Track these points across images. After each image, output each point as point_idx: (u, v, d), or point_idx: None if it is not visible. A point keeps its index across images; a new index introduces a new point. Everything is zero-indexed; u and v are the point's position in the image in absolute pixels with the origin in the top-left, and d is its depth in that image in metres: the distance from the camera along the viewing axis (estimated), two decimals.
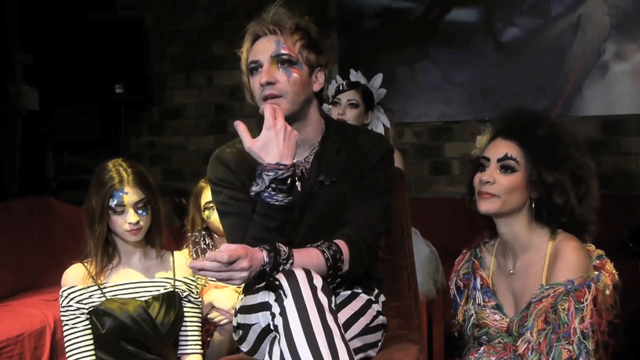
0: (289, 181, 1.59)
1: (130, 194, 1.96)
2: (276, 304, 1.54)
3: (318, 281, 1.56)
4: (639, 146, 3.97)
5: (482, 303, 1.83)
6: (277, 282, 1.55)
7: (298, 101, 1.69)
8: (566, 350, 1.61)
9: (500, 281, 1.84)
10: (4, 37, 3.92)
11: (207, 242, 1.52)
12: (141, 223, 1.97)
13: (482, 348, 1.80)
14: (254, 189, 1.61)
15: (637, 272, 2.45)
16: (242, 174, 1.74)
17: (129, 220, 1.95)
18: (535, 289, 1.71)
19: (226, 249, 1.48)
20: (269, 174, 1.58)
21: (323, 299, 1.53)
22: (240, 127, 1.61)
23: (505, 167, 1.74)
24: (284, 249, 1.58)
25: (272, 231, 1.61)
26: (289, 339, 1.49)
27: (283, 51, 1.68)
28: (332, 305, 1.56)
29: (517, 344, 1.69)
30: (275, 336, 1.56)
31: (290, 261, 1.59)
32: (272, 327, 1.57)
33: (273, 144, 1.58)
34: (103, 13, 4.65)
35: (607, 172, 3.94)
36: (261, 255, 1.54)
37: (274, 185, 1.58)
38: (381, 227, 1.79)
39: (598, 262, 1.75)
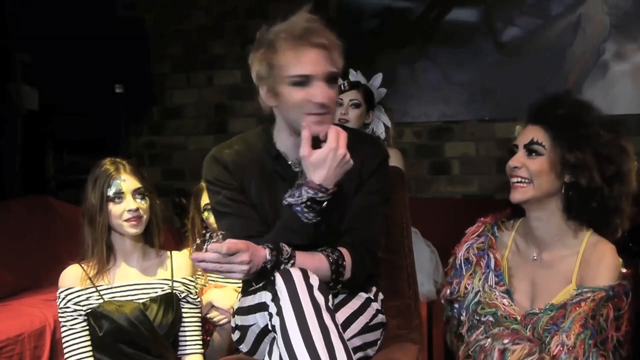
0: (324, 204, 1.63)
1: (127, 181, 1.97)
2: (273, 304, 1.54)
3: (314, 280, 1.56)
4: (639, 146, 3.96)
5: (493, 285, 1.81)
6: (273, 281, 1.55)
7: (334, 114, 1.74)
8: (602, 355, 1.61)
9: (518, 265, 1.82)
10: (4, 37, 3.92)
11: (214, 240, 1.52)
12: (140, 211, 1.96)
13: (492, 329, 1.76)
14: (290, 200, 1.63)
15: (637, 272, 2.44)
16: (239, 176, 1.76)
17: (128, 207, 1.95)
18: (562, 284, 1.71)
19: (227, 242, 1.49)
20: (309, 192, 1.61)
21: (319, 298, 1.54)
22: (307, 133, 1.63)
23: (531, 151, 1.76)
24: (286, 248, 1.60)
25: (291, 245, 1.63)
26: (285, 338, 1.49)
27: (334, 69, 1.67)
28: (330, 303, 1.56)
29: (550, 345, 1.66)
30: (274, 336, 1.56)
31: (292, 261, 1.60)
32: (269, 327, 1.57)
33: (325, 165, 1.61)
34: (103, 12, 4.65)
35: None
36: (264, 252, 1.56)
37: (309, 203, 1.62)
38: (381, 236, 1.82)
39: (625, 270, 1.74)
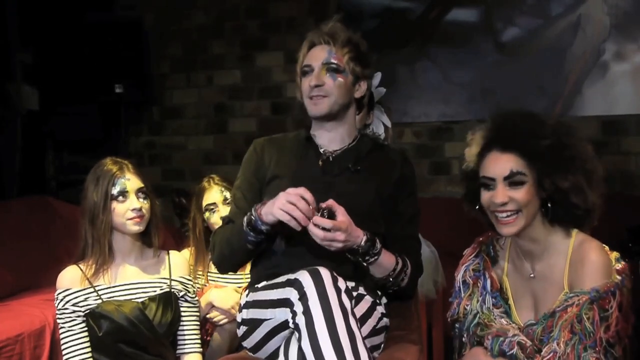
0: (257, 228, 1.75)
1: (132, 180, 1.98)
2: (300, 302, 1.55)
3: (342, 284, 1.59)
4: (639, 146, 3.97)
5: (490, 307, 1.80)
6: (299, 280, 1.57)
7: (339, 102, 1.89)
8: (594, 358, 1.59)
9: (518, 283, 1.80)
10: (4, 37, 3.92)
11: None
12: (143, 210, 1.97)
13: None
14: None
15: (637, 272, 2.44)
16: (265, 155, 1.95)
17: (132, 206, 1.95)
18: (558, 292, 1.68)
19: (331, 222, 1.66)
20: (253, 213, 1.75)
21: (347, 302, 1.56)
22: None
23: (515, 183, 1.67)
24: (378, 245, 1.75)
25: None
26: (312, 339, 1.50)
27: (333, 60, 1.88)
28: (353, 309, 1.58)
29: (542, 354, 1.65)
30: (291, 335, 1.57)
31: (377, 258, 1.75)
32: (291, 324, 1.57)
33: (274, 200, 1.70)
34: (102, 13, 4.65)
35: (607, 172, 3.92)
36: (361, 238, 1.71)
37: (248, 224, 1.77)
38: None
39: (620, 266, 1.70)
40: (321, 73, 1.87)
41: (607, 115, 3.99)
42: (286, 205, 1.66)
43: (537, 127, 1.71)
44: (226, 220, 1.93)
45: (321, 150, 1.93)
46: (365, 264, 1.76)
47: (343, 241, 1.67)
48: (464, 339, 1.86)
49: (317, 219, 1.66)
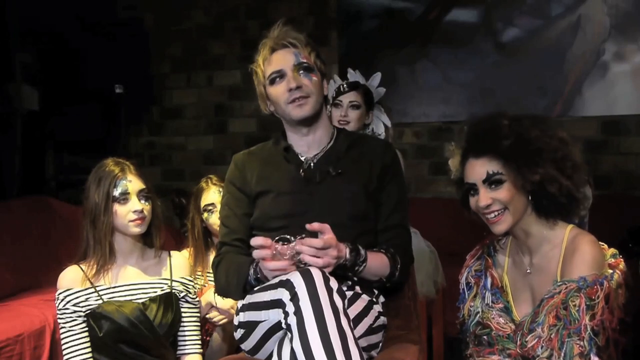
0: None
1: (133, 182, 1.97)
2: (291, 303, 1.54)
3: (334, 283, 1.58)
4: (639, 146, 3.97)
5: (490, 304, 1.83)
6: (291, 280, 1.57)
7: (319, 101, 1.89)
8: (578, 345, 1.61)
9: (517, 279, 1.84)
10: (4, 37, 3.92)
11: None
12: (145, 212, 1.96)
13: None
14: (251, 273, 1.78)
15: (637, 272, 2.44)
16: (247, 171, 1.94)
17: (133, 208, 1.95)
18: (552, 284, 1.71)
19: (321, 237, 1.63)
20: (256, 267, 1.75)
21: (338, 302, 1.55)
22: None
23: (494, 183, 1.73)
24: (362, 251, 1.73)
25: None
26: (303, 339, 1.50)
27: (303, 60, 1.87)
28: (346, 308, 1.58)
29: (527, 339, 1.69)
30: (285, 336, 1.57)
31: (365, 264, 1.74)
32: (283, 325, 1.57)
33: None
34: (103, 13, 4.65)
35: (607, 172, 3.94)
36: (344, 251, 1.69)
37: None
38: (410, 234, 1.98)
39: (613, 260, 1.75)
40: (294, 75, 1.85)
41: (607, 115, 4.00)
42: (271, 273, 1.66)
43: (497, 128, 1.77)
44: (220, 245, 1.93)
45: (302, 159, 1.91)
46: (355, 276, 1.77)
47: (336, 257, 1.65)
48: (467, 340, 1.88)
49: (307, 240, 1.62)
